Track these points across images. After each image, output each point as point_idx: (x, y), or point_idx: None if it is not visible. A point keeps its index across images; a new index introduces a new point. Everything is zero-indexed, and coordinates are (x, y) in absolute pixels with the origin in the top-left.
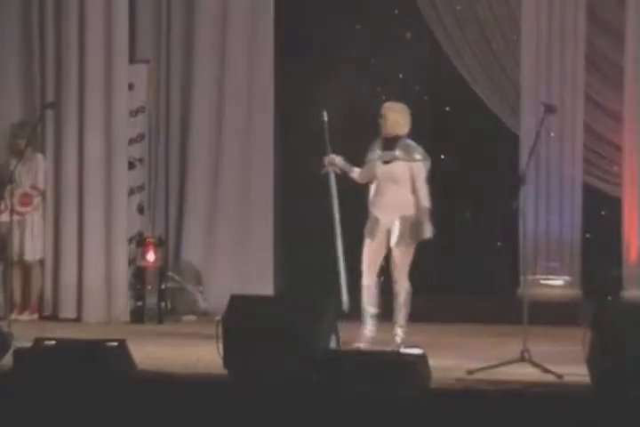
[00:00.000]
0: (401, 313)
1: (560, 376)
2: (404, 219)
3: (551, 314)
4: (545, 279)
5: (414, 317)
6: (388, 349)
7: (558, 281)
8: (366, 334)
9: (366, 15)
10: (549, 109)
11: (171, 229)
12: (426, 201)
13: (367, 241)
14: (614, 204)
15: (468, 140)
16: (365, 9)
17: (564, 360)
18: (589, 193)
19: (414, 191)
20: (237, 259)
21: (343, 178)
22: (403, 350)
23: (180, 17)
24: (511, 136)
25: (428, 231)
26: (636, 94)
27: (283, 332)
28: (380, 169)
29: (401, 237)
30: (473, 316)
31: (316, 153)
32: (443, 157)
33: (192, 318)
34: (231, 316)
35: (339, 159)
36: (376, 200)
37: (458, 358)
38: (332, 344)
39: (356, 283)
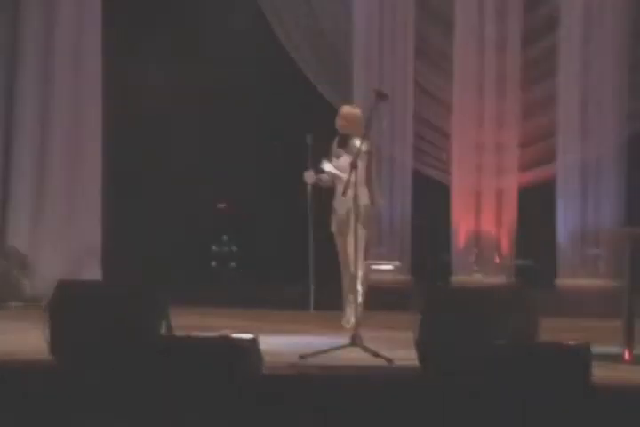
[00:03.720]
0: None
1: (390, 360)
2: (356, 209)
3: (382, 299)
4: (375, 264)
5: (245, 303)
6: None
7: (388, 266)
8: (351, 320)
9: None
10: (380, 97)
11: None
12: (374, 192)
13: (335, 233)
14: (443, 190)
15: (301, 128)
16: None
17: (394, 345)
18: (419, 180)
19: (366, 182)
20: (65, 244)
21: None
22: (233, 335)
23: (5, 14)
24: None
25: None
26: (464, 83)
27: (111, 318)
28: (334, 165)
29: (354, 226)
30: (304, 302)
31: (143, 147)
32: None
33: (18, 304)
34: (58, 301)
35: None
36: (335, 195)
37: (289, 343)
38: (163, 330)
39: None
